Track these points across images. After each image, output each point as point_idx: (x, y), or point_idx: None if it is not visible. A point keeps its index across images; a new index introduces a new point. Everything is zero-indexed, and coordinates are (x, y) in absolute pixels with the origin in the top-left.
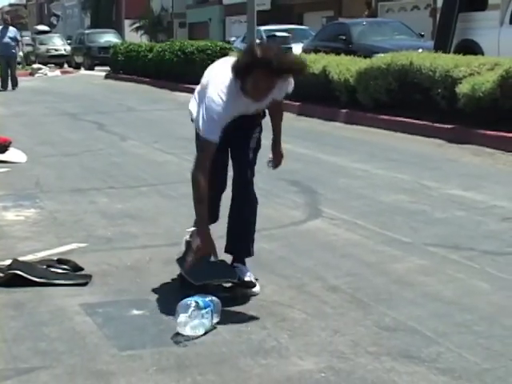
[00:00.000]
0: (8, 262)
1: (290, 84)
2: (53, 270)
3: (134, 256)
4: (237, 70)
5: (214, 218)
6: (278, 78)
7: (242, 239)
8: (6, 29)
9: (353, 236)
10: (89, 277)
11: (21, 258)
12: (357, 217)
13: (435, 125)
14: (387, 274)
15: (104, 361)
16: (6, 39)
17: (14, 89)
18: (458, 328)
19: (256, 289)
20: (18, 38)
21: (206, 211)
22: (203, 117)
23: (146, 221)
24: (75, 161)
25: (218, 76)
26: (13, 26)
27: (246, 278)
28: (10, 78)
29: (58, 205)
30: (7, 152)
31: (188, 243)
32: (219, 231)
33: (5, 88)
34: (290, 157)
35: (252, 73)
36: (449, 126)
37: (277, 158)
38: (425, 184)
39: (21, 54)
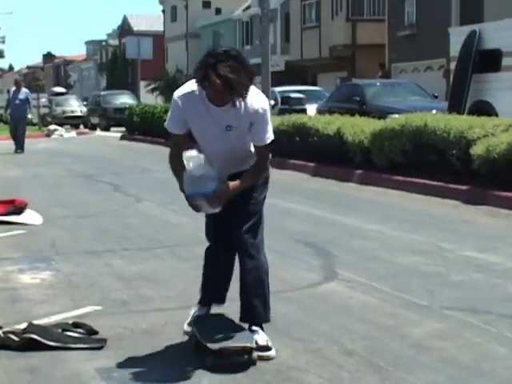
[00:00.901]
0: (23, 325)
1: (260, 122)
2: (68, 333)
3: (149, 319)
4: (195, 73)
5: (220, 299)
6: (220, 80)
7: (253, 305)
8: (17, 91)
9: (369, 299)
10: (104, 341)
11: (36, 322)
12: (373, 279)
13: (450, 186)
14: (404, 337)
15: None
16: (17, 101)
17: (16, 151)
18: None
19: (271, 353)
20: (30, 98)
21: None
22: (168, 114)
23: (161, 283)
24: (90, 222)
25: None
26: (26, 88)
27: (262, 343)
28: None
29: (73, 267)
30: (23, 214)
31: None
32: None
33: (17, 150)
34: (304, 218)
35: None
36: (464, 187)
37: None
38: (441, 245)
39: (29, 116)
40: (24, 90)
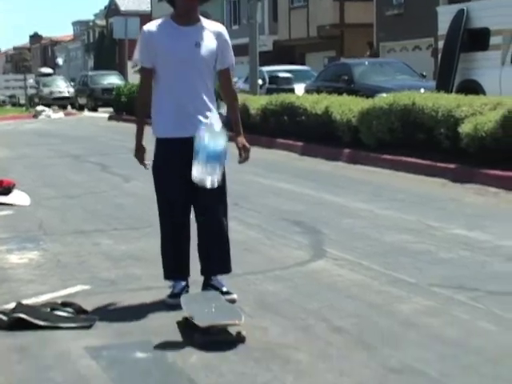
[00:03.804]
0: (12, 305)
1: (226, 45)
2: (57, 313)
3: (138, 298)
4: None
5: (186, 269)
6: None
7: (220, 256)
8: None
9: (357, 277)
10: (93, 319)
11: (25, 301)
12: (361, 257)
13: (438, 164)
14: (392, 315)
15: None
16: None
17: None
18: (464, 370)
19: (233, 296)
20: None
21: (141, 119)
22: (136, 48)
23: (150, 262)
24: (79, 203)
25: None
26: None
27: (227, 289)
28: None
29: (61, 247)
30: (11, 194)
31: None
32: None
33: None
34: (292, 197)
35: None
36: (452, 166)
37: (241, 151)
38: (429, 224)
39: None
40: None
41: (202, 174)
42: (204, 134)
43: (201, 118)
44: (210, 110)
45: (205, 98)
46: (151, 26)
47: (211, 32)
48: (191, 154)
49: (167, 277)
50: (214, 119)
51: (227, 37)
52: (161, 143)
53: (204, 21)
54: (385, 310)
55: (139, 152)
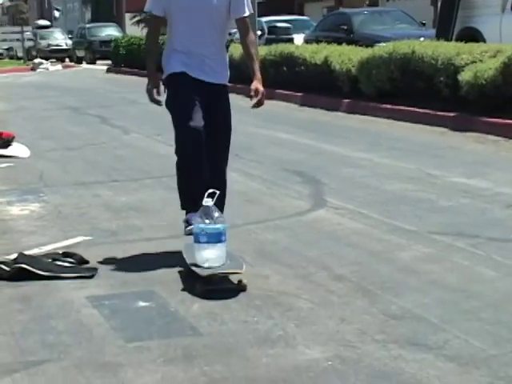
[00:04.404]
0: (14, 256)
1: None
2: (58, 263)
3: (139, 248)
4: None
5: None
6: None
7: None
8: None
9: (358, 225)
10: (95, 269)
11: (26, 252)
12: (361, 206)
13: (438, 113)
14: (393, 262)
15: (111, 353)
16: None
17: None
18: (465, 315)
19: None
20: None
21: (152, 59)
22: None
23: (151, 213)
24: (78, 155)
25: None
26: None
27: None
28: None
29: (62, 199)
30: (10, 147)
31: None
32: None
33: None
34: (293, 147)
35: None
36: (452, 114)
37: (255, 95)
38: (429, 172)
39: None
40: None
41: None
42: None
43: (210, 64)
44: (220, 56)
45: (215, 44)
46: None
47: None
48: (204, 92)
49: (184, 207)
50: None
51: None
52: (172, 77)
53: None
54: (385, 257)
55: (152, 82)
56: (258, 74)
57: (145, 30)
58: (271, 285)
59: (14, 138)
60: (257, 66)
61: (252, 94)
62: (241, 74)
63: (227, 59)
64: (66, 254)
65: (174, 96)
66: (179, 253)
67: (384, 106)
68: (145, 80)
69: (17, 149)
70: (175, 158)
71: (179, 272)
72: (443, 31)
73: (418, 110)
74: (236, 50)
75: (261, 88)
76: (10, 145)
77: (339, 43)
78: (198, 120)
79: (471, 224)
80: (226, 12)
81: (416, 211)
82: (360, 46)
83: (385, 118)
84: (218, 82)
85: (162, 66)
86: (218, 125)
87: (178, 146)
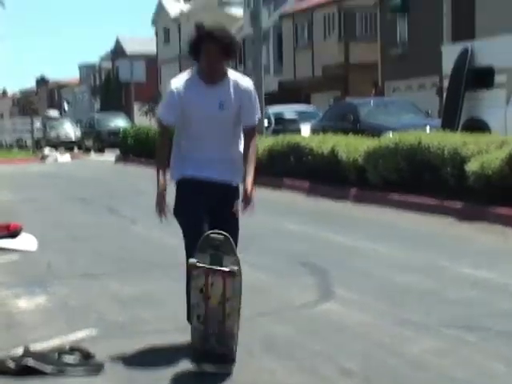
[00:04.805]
0: (20, 349)
1: (251, 101)
2: (65, 358)
3: (146, 342)
4: (190, 47)
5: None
6: (220, 47)
7: None
8: None
9: (365, 317)
10: (101, 365)
11: (32, 346)
12: (369, 297)
13: (445, 203)
14: (401, 355)
15: None
16: None
17: None
18: None
19: None
20: None
21: (163, 171)
22: (162, 102)
23: (158, 305)
24: (86, 245)
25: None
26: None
27: None
28: None
29: (69, 290)
30: (18, 238)
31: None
32: None
33: None
34: (300, 237)
35: (202, 47)
36: (459, 204)
37: (244, 201)
38: (437, 263)
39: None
40: None
41: None
42: None
43: (221, 167)
44: (231, 159)
45: (227, 149)
46: (178, 85)
47: (237, 89)
48: (213, 193)
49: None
50: None
51: (253, 93)
52: (180, 183)
53: (231, 74)
54: (393, 350)
55: (161, 196)
56: (250, 180)
57: (153, 121)
58: (278, 379)
59: (21, 229)
60: (252, 170)
61: (244, 200)
62: None
63: (241, 160)
64: (72, 348)
65: (180, 205)
66: (186, 347)
67: (391, 196)
68: (151, 170)
69: (25, 240)
70: (181, 249)
71: (188, 366)
72: (449, 121)
73: (424, 200)
74: None
75: (249, 193)
76: (18, 236)
77: (345, 133)
78: (204, 231)
79: (480, 316)
80: (237, 118)
81: (424, 303)
82: (366, 136)
83: (392, 208)
84: (228, 183)
85: (170, 169)
86: (226, 224)
87: (188, 255)
